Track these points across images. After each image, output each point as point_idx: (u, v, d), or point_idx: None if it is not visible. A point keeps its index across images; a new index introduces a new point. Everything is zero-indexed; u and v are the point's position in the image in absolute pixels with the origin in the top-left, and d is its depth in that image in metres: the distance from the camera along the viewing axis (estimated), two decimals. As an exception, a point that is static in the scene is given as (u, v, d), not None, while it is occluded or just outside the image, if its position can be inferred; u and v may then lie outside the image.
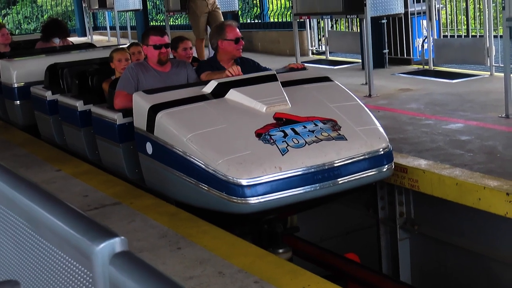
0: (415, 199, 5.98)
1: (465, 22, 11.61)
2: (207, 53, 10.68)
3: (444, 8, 11.48)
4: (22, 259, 1.97)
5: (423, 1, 11.10)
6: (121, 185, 5.63)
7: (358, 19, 11.41)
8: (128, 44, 7.64)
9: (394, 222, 6.15)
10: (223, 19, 10.69)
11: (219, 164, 4.60)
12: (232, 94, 5.22)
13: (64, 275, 1.69)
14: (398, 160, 5.51)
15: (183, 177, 4.85)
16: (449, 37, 11.12)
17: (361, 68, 10.97)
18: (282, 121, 4.98)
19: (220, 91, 5.27)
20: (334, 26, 14.15)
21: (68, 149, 6.98)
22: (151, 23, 19.16)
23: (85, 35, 20.20)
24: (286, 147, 4.72)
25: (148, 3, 18.49)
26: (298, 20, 11.20)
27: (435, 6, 10.86)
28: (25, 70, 8.13)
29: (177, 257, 4.02)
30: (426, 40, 11.00)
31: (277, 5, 16.32)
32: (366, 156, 4.93)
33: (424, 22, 11.31)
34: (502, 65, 8.09)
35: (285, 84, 5.41)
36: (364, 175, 4.92)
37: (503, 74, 7.44)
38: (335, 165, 4.78)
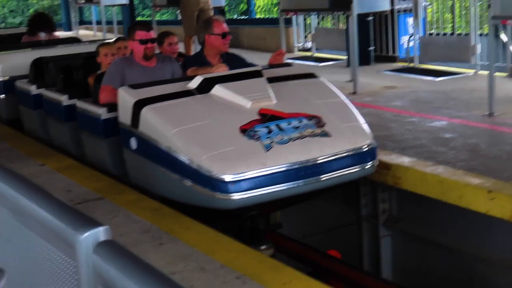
0: (398, 196, 6.02)
1: (451, 20, 11.67)
2: (195, 50, 10.67)
3: (430, 6, 11.53)
4: (7, 248, 1.98)
5: (409, -1, 11.15)
6: (104, 180, 5.63)
7: (344, 16, 11.44)
8: (115, 38, 7.62)
9: (376, 219, 6.18)
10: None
11: (203, 160, 4.60)
12: (217, 90, 5.22)
13: (48, 265, 1.71)
14: (381, 157, 5.53)
15: (167, 173, 4.85)
16: (435, 35, 11.17)
17: (347, 65, 11.00)
18: (266, 117, 4.98)
19: (205, 87, 5.27)
20: (321, 23, 14.17)
21: (52, 143, 6.96)
22: (138, 18, 19.11)
23: (71, 30, 20.11)
24: (270, 143, 4.73)
25: (134, -3, 18.42)
26: (285, 17, 11.22)
27: (421, 3, 10.91)
28: (10, 64, 8.09)
29: (160, 253, 4.03)
30: (412, 38, 11.05)
31: (263, 1, 16.33)
32: (350, 153, 4.95)
33: (410, 19, 11.36)
34: (487, 63, 8.14)
35: (270, 80, 5.42)
36: (348, 172, 4.94)
37: (487, 72, 7.48)
38: (319, 161, 4.79)
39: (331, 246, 5.83)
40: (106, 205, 4.94)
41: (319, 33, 13.27)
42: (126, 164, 5.44)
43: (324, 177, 4.80)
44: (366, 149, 5.03)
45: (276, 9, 14.63)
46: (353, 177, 5.06)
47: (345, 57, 11.75)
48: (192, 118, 4.98)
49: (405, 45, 11.35)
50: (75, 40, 9.78)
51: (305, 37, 14.05)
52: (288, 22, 13.51)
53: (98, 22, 19.43)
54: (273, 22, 14.60)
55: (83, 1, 17.93)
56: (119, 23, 17.99)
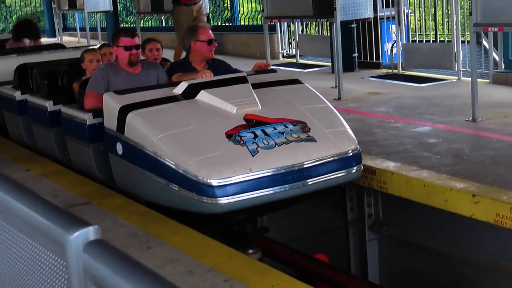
0: (383, 200, 6.06)
1: (434, 27, 11.77)
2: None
3: (413, 14, 11.63)
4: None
5: (392, 6, 11.24)
6: (90, 185, 5.63)
7: (328, 23, 11.50)
8: (99, 45, 7.62)
9: (362, 223, 6.22)
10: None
11: (189, 165, 4.62)
12: (203, 96, 5.24)
13: (38, 265, 1.71)
14: (366, 162, 5.57)
15: (154, 178, 4.86)
16: (417, 42, 11.26)
17: (331, 72, 11.06)
18: (252, 122, 5.01)
19: (190, 92, 5.29)
20: (305, 30, 14.24)
21: (37, 149, 6.94)
22: (122, 25, 19.09)
23: (54, 36, 20.05)
24: (256, 148, 4.76)
25: (118, 4, 18.42)
26: (269, 24, 11.25)
27: (404, 11, 11.00)
28: (-7, 70, 8.06)
29: (147, 256, 4.03)
30: (395, 45, 11.13)
31: (248, 8, 16.38)
32: (335, 158, 4.98)
33: (393, 27, 11.44)
34: (469, 70, 8.22)
35: (255, 86, 5.45)
36: (333, 176, 4.97)
37: (470, 79, 7.56)
38: (305, 166, 4.83)
39: (318, 250, 5.85)
40: (93, 209, 4.94)
41: (303, 40, 13.33)
42: (112, 169, 5.44)
43: (310, 181, 4.84)
44: (351, 154, 5.07)
45: (260, 16, 14.69)
46: (339, 182, 5.10)
47: (329, 64, 11.81)
48: (178, 124, 5.00)
49: (389, 52, 11.43)
50: (59, 47, 9.76)
51: (289, 44, 14.11)
52: (272, 29, 13.56)
53: (82, 29, 19.39)
54: (257, 29, 14.66)
55: (66, 8, 17.89)
56: (103, 29, 17.96)
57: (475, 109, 7.21)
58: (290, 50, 14.05)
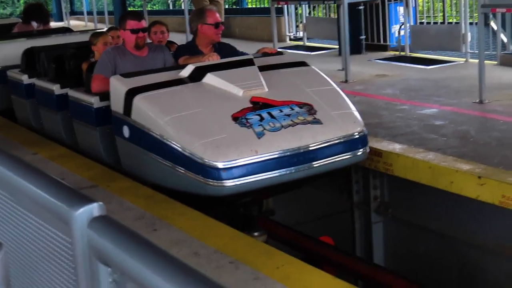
0: (389, 182, 6.07)
1: (442, 9, 11.72)
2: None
3: (421, -5, 11.58)
4: (3, 229, 2.01)
5: (400, -12, 11.19)
6: (97, 168, 5.65)
7: (335, 5, 11.46)
8: (106, 28, 7.63)
9: (368, 206, 6.24)
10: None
11: (195, 147, 4.64)
12: (209, 78, 5.25)
13: (44, 243, 1.74)
14: (373, 144, 5.58)
15: (160, 160, 4.88)
16: (425, 23, 11.21)
17: (338, 54, 11.03)
18: (258, 105, 5.01)
19: (197, 75, 5.29)
20: (312, 12, 14.19)
21: (45, 133, 6.97)
22: (129, 9, 19.07)
23: (61, 20, 20.06)
24: (262, 131, 4.77)
25: (126, -12, 18.40)
26: (276, 6, 11.23)
27: (411, -7, 10.94)
28: (1, 54, 8.09)
29: (153, 239, 4.05)
30: (402, 27, 11.08)
31: (255, -9, 16.33)
32: (341, 140, 4.98)
33: (401, 8, 11.39)
34: (477, 51, 8.19)
35: (262, 68, 5.44)
36: (339, 158, 4.98)
37: (477, 61, 7.53)
38: (311, 148, 4.83)
39: (323, 233, 5.87)
40: (100, 193, 4.97)
41: (310, 22, 13.29)
42: (119, 152, 5.46)
43: (316, 163, 4.84)
44: (357, 136, 5.07)
45: (267, -2, 14.65)
46: (344, 164, 5.11)
47: (336, 46, 11.77)
48: (184, 106, 5.01)
49: (396, 34, 11.39)
50: (66, 30, 9.78)
51: (297, 26, 14.07)
52: (280, 11, 13.52)
53: (89, 13, 19.37)
54: (264, 11, 14.61)
55: (73, -8, 17.88)
56: (110, 13, 17.95)
57: (482, 91, 7.19)
58: (297, 32, 14.01)
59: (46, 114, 6.83)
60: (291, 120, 4.91)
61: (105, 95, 5.57)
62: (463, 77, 8.66)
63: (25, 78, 7.20)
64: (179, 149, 4.71)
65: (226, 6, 17.38)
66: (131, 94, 5.13)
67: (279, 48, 9.42)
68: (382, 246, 6.27)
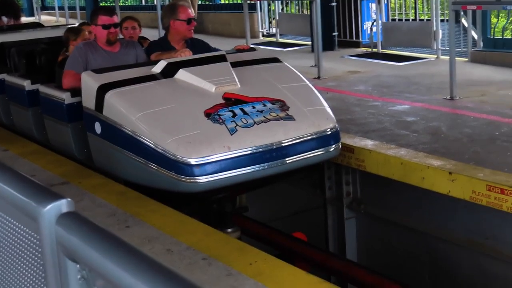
0: (361, 178, 6.10)
1: (413, 6, 11.80)
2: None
3: (393, -8, 11.65)
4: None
5: (372, -15, 11.24)
6: (69, 164, 5.61)
7: (308, 1, 11.48)
8: (78, 24, 7.56)
9: (341, 202, 6.27)
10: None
11: (168, 144, 4.62)
12: (182, 74, 5.23)
13: (12, 239, 1.72)
14: (345, 140, 5.60)
15: (132, 157, 4.85)
16: (397, 20, 11.28)
17: (311, 51, 11.06)
18: (231, 101, 5.01)
19: (169, 71, 5.27)
20: (285, 8, 14.21)
21: (15, 129, 6.89)
22: (101, 4, 18.93)
23: (33, 15, 19.87)
24: (235, 127, 4.76)
25: (97, -17, 18.26)
26: (249, 2, 11.22)
27: (384, -11, 11.01)
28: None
29: (126, 236, 4.03)
30: (374, 23, 11.14)
31: (228, -13, 16.31)
32: (314, 136, 5.00)
33: (373, 5, 11.45)
34: (448, 48, 8.26)
35: (234, 64, 5.44)
36: (312, 154, 4.99)
37: (448, 57, 7.60)
38: (283, 144, 4.84)
39: (296, 229, 5.90)
40: (71, 189, 4.93)
41: (283, 18, 13.31)
42: (91, 148, 5.42)
43: (289, 159, 4.85)
44: (330, 132, 5.09)
45: (240, -5, 14.63)
46: (317, 160, 5.12)
47: (309, 43, 11.80)
48: (157, 102, 4.99)
49: (368, 31, 11.45)
50: (37, 25, 9.67)
51: (270, 22, 14.08)
52: (252, 7, 13.53)
53: (61, 8, 19.21)
54: (237, 7, 14.62)
55: (45, -13, 17.71)
56: (81, 8, 17.81)
57: (453, 87, 7.26)
58: (270, 29, 14.03)
59: (16, 110, 6.75)
60: (264, 116, 4.91)
61: (76, 91, 5.52)
62: (434, 74, 8.74)
63: (-6, 74, 7.11)
64: (152, 146, 4.69)
65: (199, 2, 17.33)
66: (102, 90, 5.09)
67: (252, 44, 9.42)
68: (355, 241, 6.30)
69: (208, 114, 4.83)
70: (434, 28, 10.01)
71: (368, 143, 5.74)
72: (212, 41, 6.61)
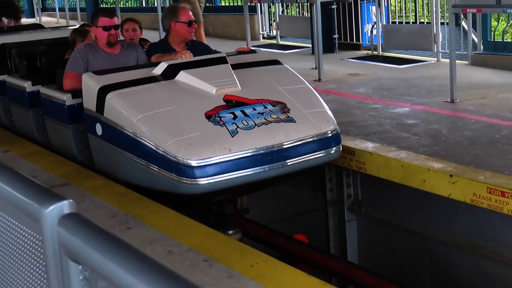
0: (362, 181, 6.10)
1: (414, 9, 11.81)
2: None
3: (393, -5, 11.66)
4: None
5: (372, -13, 11.25)
6: (70, 166, 5.61)
7: (308, 4, 11.49)
8: (78, 25, 7.57)
9: (342, 204, 6.27)
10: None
11: (169, 145, 4.62)
12: (182, 76, 5.23)
13: (14, 241, 1.72)
14: (346, 143, 5.60)
15: (133, 158, 4.85)
16: (397, 23, 11.28)
17: (311, 53, 11.07)
18: (232, 103, 5.01)
19: (170, 73, 5.27)
20: (285, 11, 14.22)
21: (16, 130, 6.90)
22: (101, 5, 18.95)
23: (33, 17, 19.88)
24: (235, 129, 4.76)
25: (98, -15, 18.27)
26: (249, 4, 11.22)
27: (384, -8, 11.02)
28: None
29: (127, 237, 4.03)
30: (375, 26, 11.15)
31: (228, -11, 16.31)
32: (315, 138, 5.00)
33: (374, 8, 11.46)
34: (448, 51, 8.27)
35: (235, 66, 5.44)
36: (313, 157, 4.99)
37: (448, 60, 7.60)
38: (284, 147, 4.84)
39: (297, 231, 5.89)
40: (72, 191, 4.93)
41: (284, 21, 13.32)
42: (92, 150, 5.42)
43: (289, 162, 4.85)
44: (330, 134, 5.09)
45: (240, -3, 14.64)
46: (318, 162, 5.12)
47: (309, 45, 11.81)
48: (158, 104, 4.99)
49: (369, 33, 11.45)
50: (38, 27, 9.68)
51: (270, 25, 14.09)
52: (253, 10, 13.53)
53: (61, 9, 19.22)
54: (237, 9, 14.62)
55: (45, -12, 17.72)
56: (82, 10, 17.82)
57: (454, 90, 7.26)
58: (271, 31, 14.03)
59: (17, 112, 6.75)
60: (265, 119, 4.92)
61: (77, 93, 5.53)
62: (434, 77, 8.74)
63: (-5, 75, 7.11)
64: (153, 147, 4.69)
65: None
66: (103, 91, 5.09)
67: (252, 46, 9.43)
68: (356, 243, 6.30)
69: (209, 116, 4.84)
70: (434, 31, 10.02)
71: (369, 146, 5.74)
72: (213, 43, 6.62)
